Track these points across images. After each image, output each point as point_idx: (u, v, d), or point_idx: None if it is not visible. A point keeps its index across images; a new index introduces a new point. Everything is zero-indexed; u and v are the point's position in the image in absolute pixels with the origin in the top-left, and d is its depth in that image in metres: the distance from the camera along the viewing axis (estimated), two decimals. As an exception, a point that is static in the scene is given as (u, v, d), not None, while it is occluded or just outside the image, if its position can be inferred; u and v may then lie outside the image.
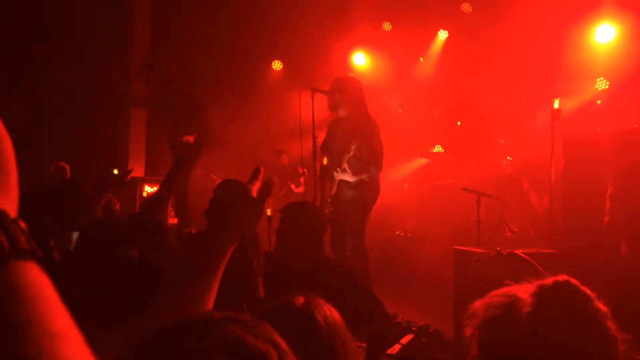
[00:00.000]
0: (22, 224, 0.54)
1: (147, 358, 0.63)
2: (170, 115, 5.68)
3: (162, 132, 6.73)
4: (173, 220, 5.37)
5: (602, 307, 1.30)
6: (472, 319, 1.38)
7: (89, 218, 3.16)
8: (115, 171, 7.43)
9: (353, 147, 4.28)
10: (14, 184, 0.57)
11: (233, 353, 0.62)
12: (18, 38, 8.12)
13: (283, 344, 0.67)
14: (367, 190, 4.44)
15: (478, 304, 1.40)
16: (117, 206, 4.17)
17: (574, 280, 1.32)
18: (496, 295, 1.37)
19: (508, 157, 6.84)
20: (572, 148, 3.03)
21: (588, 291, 1.31)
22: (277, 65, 9.33)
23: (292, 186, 7.82)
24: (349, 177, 4.36)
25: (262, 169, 1.18)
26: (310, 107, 4.35)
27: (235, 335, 0.64)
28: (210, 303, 1.05)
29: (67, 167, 3.53)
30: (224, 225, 1.10)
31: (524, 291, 1.36)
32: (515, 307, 1.32)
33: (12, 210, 0.55)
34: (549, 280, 1.32)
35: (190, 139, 2.48)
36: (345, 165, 4.34)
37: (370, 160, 4.36)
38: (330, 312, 1.38)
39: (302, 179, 7.80)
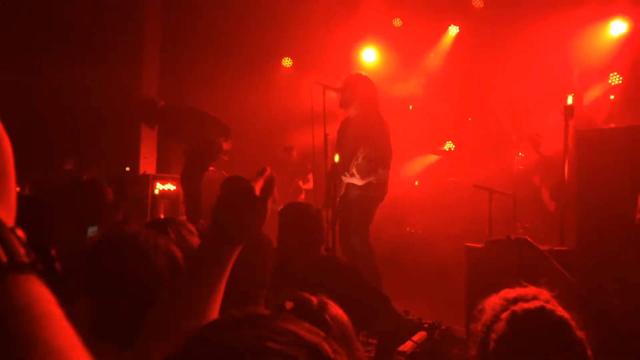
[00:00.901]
0: (21, 233, 0.49)
1: (205, 351, 0.62)
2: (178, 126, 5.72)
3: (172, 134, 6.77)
4: (182, 218, 5.40)
5: (580, 335, 1.26)
6: (480, 315, 1.37)
7: (109, 221, 3.18)
8: (127, 169, 7.48)
9: (360, 156, 4.31)
10: (12, 190, 0.52)
11: (289, 344, 0.61)
12: (31, 38, 8.19)
13: (332, 340, 0.66)
14: (374, 190, 4.46)
15: (488, 300, 1.39)
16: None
17: (549, 306, 1.29)
18: (502, 299, 1.36)
19: (520, 154, 6.79)
20: (585, 144, 3.00)
21: (567, 317, 1.27)
22: (287, 62, 9.33)
23: (300, 183, 7.83)
24: (356, 181, 4.40)
25: (268, 170, 1.12)
26: (322, 104, 4.36)
27: (286, 328, 0.63)
28: (216, 308, 1.00)
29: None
30: (227, 226, 1.04)
31: (526, 299, 1.34)
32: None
33: (10, 218, 0.51)
34: (520, 307, 1.29)
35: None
36: (354, 170, 4.36)
37: (378, 163, 4.38)
38: (337, 311, 1.38)
39: (309, 176, 7.81)
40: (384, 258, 5.29)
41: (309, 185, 7.81)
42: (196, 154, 5.61)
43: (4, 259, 0.46)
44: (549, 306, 1.29)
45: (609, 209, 2.96)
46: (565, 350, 1.24)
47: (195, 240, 1.87)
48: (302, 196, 7.77)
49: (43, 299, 0.47)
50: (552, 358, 1.23)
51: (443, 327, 3.96)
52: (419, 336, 3.79)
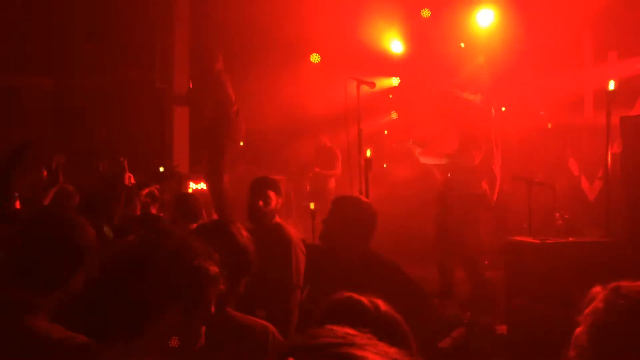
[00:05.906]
0: None
1: None
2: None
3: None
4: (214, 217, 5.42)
5: None
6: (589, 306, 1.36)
7: (122, 212, 3.22)
8: (161, 169, 7.57)
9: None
10: None
11: None
12: (68, 39, 8.41)
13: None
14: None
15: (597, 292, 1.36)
16: (166, 196, 4.20)
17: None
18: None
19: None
20: (630, 131, 2.87)
21: None
22: (315, 57, 9.26)
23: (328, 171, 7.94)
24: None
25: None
26: (355, 99, 4.32)
27: None
28: None
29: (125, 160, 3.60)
30: None
31: None
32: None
33: None
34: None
35: None
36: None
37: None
38: (388, 310, 1.35)
39: (337, 162, 7.89)
40: (416, 252, 5.21)
41: (337, 171, 7.85)
42: (216, 153, 5.56)
43: None
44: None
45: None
46: None
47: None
48: (332, 184, 7.84)
49: None
50: None
51: (482, 324, 3.86)
52: (458, 332, 3.71)
